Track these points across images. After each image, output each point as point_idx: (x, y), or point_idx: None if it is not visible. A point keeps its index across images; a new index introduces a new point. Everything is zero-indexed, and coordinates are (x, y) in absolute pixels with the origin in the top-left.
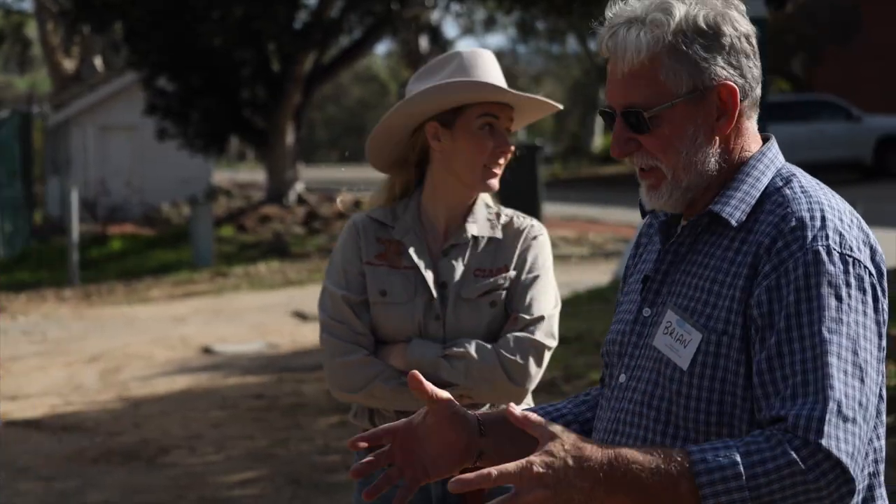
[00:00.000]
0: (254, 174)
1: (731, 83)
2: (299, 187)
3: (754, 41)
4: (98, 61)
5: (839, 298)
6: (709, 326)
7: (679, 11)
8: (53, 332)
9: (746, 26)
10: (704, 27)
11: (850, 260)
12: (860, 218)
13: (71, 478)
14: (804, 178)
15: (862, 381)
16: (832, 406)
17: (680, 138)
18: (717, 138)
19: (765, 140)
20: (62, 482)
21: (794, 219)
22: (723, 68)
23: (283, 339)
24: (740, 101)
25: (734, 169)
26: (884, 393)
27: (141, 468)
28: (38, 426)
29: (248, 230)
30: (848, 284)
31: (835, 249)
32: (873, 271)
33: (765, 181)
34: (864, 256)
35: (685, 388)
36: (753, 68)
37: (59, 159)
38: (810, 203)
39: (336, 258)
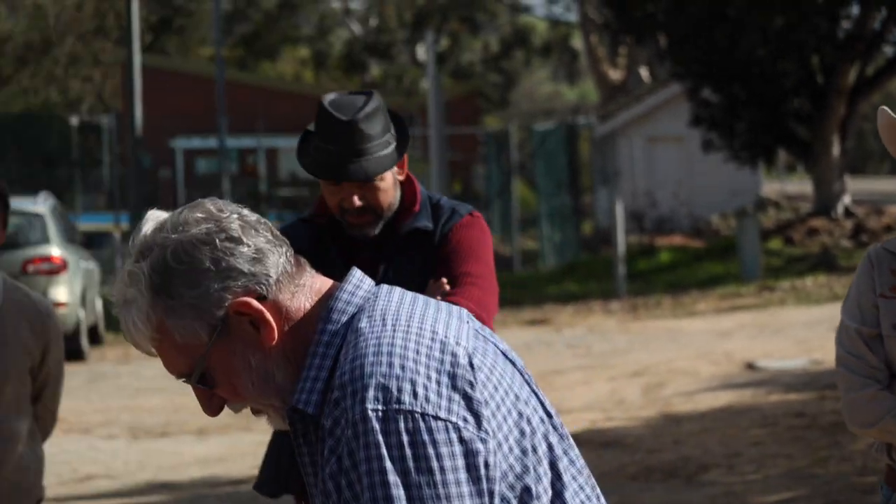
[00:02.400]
0: (803, 186)
1: (239, 299)
2: (846, 199)
3: (235, 226)
4: (644, 72)
5: (383, 472)
6: None
7: (144, 272)
8: (598, 346)
9: (215, 224)
10: (176, 266)
11: (401, 415)
12: (456, 353)
13: (608, 495)
14: (368, 312)
15: None
16: None
17: (236, 374)
18: (271, 347)
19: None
20: None
21: (336, 389)
22: (221, 290)
23: (826, 355)
24: (263, 298)
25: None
26: None
27: (679, 486)
28: (577, 441)
29: (795, 243)
30: (400, 445)
31: (375, 409)
32: (458, 420)
33: (337, 342)
34: (434, 404)
35: None
36: (256, 254)
37: (606, 170)
38: (354, 357)
39: (852, 291)
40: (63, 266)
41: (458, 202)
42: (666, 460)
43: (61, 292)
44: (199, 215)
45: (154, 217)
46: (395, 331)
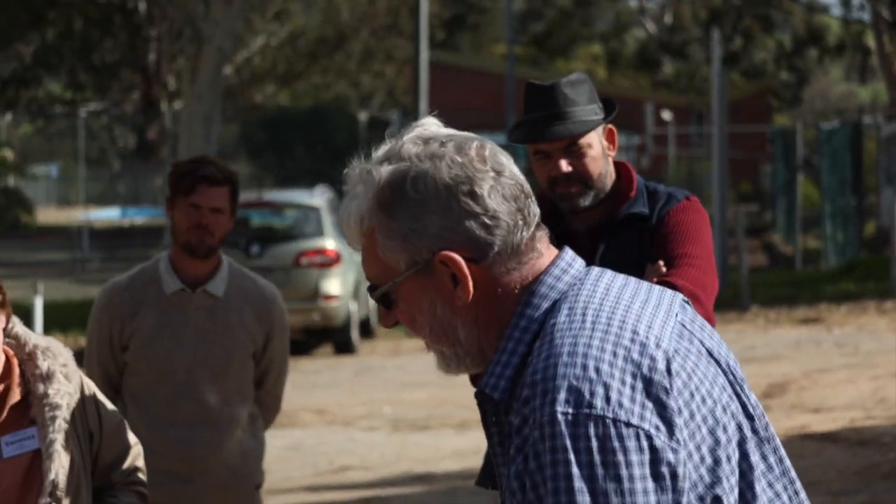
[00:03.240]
0: None
1: (448, 253)
2: None
3: (486, 185)
4: None
5: (569, 477)
6: None
7: (379, 177)
8: (866, 345)
9: (467, 175)
10: (409, 193)
11: (592, 420)
12: (655, 357)
13: (858, 493)
14: (570, 303)
15: None
16: None
17: (420, 312)
18: (462, 306)
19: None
20: (849, 497)
21: (527, 387)
22: (437, 237)
23: None
24: (475, 261)
25: (505, 326)
26: None
27: None
28: (834, 439)
29: None
30: (588, 451)
31: (565, 413)
32: (651, 427)
33: (534, 328)
34: (627, 410)
35: None
36: (489, 220)
37: (892, 170)
38: (549, 355)
39: None
40: (336, 259)
41: (675, 188)
42: None
43: (333, 285)
44: (458, 158)
45: (425, 126)
46: (593, 329)
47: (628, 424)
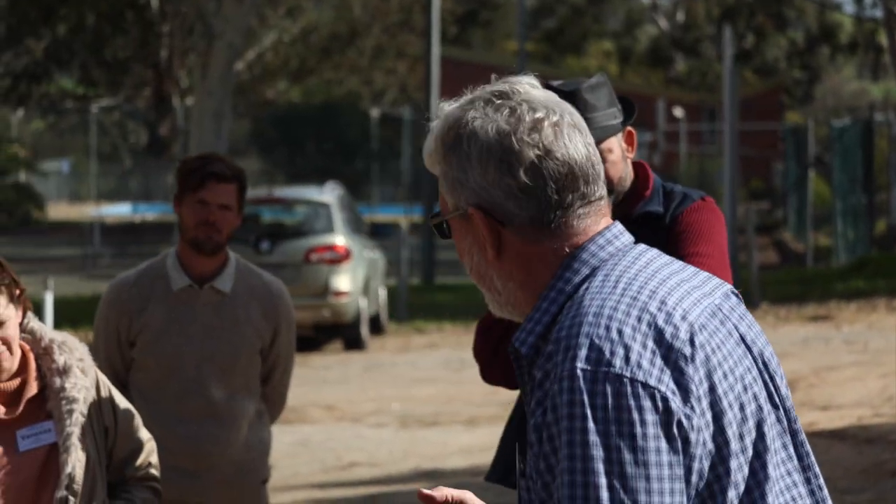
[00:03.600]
0: None
1: (478, 211)
2: None
3: (525, 163)
4: None
5: (584, 431)
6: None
7: (448, 120)
8: (875, 342)
9: (511, 145)
10: (462, 145)
11: (610, 378)
12: (678, 327)
13: (865, 491)
14: (607, 271)
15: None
16: None
17: (462, 252)
18: (491, 261)
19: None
20: (855, 495)
21: (552, 343)
22: (472, 194)
23: None
24: (502, 224)
25: (541, 288)
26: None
27: None
28: (842, 437)
29: None
30: (605, 407)
31: (584, 369)
32: (667, 390)
33: (568, 290)
34: (645, 371)
35: None
36: (518, 192)
37: None
38: (575, 315)
39: None
40: (346, 255)
41: (691, 189)
42: None
43: (343, 281)
44: (507, 128)
45: (513, 83)
46: (622, 295)
47: (645, 385)
